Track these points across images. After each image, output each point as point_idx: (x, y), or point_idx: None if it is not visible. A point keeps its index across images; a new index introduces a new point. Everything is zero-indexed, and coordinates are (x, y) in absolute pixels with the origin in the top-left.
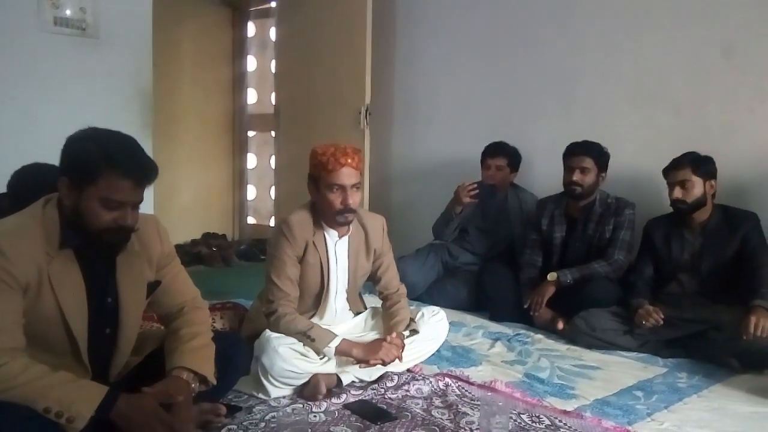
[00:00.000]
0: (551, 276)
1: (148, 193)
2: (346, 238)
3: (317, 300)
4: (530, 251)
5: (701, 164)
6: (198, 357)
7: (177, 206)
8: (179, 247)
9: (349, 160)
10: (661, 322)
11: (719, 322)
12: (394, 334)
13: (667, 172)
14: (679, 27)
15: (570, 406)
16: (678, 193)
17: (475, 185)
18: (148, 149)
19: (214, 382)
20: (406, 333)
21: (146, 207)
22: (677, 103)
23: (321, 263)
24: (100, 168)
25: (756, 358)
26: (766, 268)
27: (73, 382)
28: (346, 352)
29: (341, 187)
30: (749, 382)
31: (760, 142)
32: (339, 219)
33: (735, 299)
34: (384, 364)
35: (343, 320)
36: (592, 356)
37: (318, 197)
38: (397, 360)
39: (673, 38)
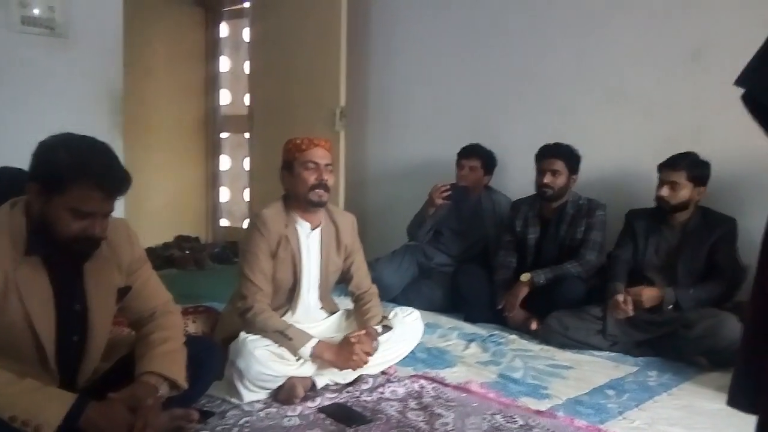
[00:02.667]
0: (525, 277)
1: None
2: (317, 232)
3: (290, 295)
4: (504, 252)
5: (696, 169)
6: (168, 361)
7: (149, 208)
8: (151, 250)
9: (322, 143)
10: (630, 314)
11: (688, 322)
12: (362, 331)
13: (662, 168)
14: (649, 31)
15: (543, 405)
16: (665, 191)
17: (448, 187)
18: (118, 151)
19: (186, 386)
20: (379, 329)
21: (117, 210)
22: (647, 106)
23: (293, 256)
24: (71, 178)
25: (724, 356)
26: (714, 282)
27: (40, 390)
28: (319, 355)
29: (315, 165)
30: (717, 379)
31: (729, 143)
32: (313, 197)
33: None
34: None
35: (315, 318)
36: (564, 356)
37: (292, 181)
38: (371, 358)
39: (643, 42)
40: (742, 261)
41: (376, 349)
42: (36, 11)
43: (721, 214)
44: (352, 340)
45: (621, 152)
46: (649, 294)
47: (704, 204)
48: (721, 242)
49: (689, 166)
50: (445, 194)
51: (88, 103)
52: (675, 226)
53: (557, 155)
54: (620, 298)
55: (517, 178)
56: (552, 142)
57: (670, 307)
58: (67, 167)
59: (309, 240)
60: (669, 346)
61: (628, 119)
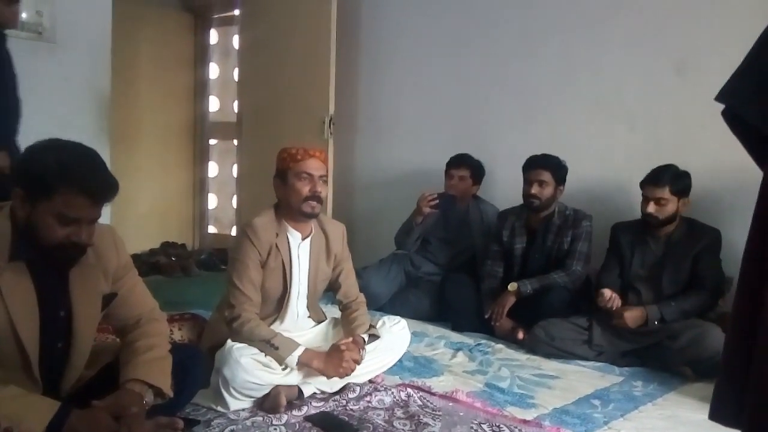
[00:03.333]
0: (512, 286)
1: None
2: (308, 241)
3: (279, 304)
4: (491, 262)
5: (679, 182)
6: (153, 369)
7: (135, 215)
8: (137, 257)
9: (317, 154)
10: (619, 305)
11: (672, 333)
12: (350, 339)
13: (646, 185)
14: (634, 45)
15: (529, 415)
16: (652, 208)
17: (435, 195)
18: (105, 156)
19: (171, 394)
20: (366, 337)
21: (103, 215)
22: (632, 118)
23: (284, 265)
24: (56, 183)
25: (708, 366)
26: (697, 292)
27: (23, 397)
28: (307, 363)
29: (309, 176)
30: (702, 390)
31: (712, 156)
32: (306, 208)
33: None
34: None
35: (303, 327)
36: (551, 365)
37: (285, 191)
38: (358, 367)
39: (628, 55)
40: (725, 272)
41: (362, 358)
42: (24, 15)
43: (706, 225)
44: (342, 347)
45: (607, 164)
46: (631, 315)
47: (689, 215)
48: (705, 252)
49: (672, 180)
50: (433, 203)
51: (75, 108)
52: (660, 237)
53: (544, 166)
54: (606, 293)
55: (504, 189)
56: (539, 153)
57: (656, 322)
58: (54, 173)
59: (299, 249)
60: (654, 357)
61: (613, 131)
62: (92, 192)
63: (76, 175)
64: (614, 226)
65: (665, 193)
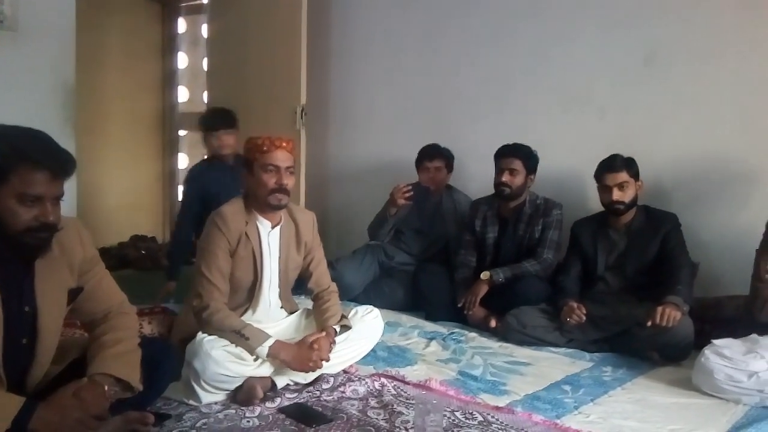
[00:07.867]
0: (484, 275)
1: (71, 193)
2: (277, 230)
3: (250, 294)
4: (464, 251)
5: (632, 165)
6: (120, 362)
7: (103, 207)
8: (105, 251)
9: (284, 144)
10: (584, 319)
11: (641, 319)
12: (321, 333)
13: (603, 175)
14: (604, 37)
15: (502, 401)
16: (617, 195)
17: (410, 187)
18: (71, 147)
19: (140, 387)
20: (338, 329)
21: (69, 208)
22: (602, 108)
23: (254, 254)
24: (11, 163)
25: (675, 352)
26: (683, 269)
27: None
28: (276, 355)
29: (276, 168)
30: (669, 374)
31: (680, 145)
32: (272, 200)
33: (658, 297)
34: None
35: (275, 317)
36: (523, 353)
37: (252, 181)
38: (331, 356)
39: (598, 47)
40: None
41: (332, 350)
42: None
43: (660, 210)
44: (314, 346)
45: (577, 154)
46: (674, 314)
47: (652, 204)
48: (672, 234)
49: (625, 163)
50: (407, 194)
51: (39, 98)
52: (620, 227)
53: (516, 154)
54: (573, 304)
55: (477, 180)
56: (511, 142)
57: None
58: (6, 155)
59: (269, 238)
60: (623, 342)
61: (583, 122)
62: (48, 165)
63: (29, 151)
64: (573, 225)
65: (624, 176)
